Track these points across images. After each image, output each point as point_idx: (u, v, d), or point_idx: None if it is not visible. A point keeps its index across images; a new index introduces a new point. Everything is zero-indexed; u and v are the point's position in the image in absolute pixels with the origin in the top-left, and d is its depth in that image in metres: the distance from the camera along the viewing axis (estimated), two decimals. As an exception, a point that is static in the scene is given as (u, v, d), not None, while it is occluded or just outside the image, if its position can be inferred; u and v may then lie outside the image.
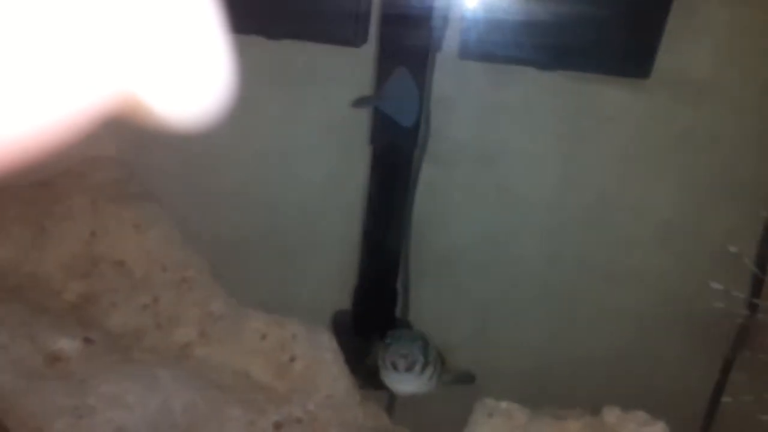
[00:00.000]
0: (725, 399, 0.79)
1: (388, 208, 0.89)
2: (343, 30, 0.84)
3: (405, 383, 0.76)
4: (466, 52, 0.88)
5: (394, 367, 0.74)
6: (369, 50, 0.85)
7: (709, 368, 0.91)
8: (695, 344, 0.91)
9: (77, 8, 0.13)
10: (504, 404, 0.72)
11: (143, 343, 0.71)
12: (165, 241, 0.75)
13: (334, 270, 0.95)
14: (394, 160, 0.87)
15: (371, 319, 0.92)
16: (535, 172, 0.92)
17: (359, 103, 0.83)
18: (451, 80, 0.89)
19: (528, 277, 0.95)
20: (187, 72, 0.15)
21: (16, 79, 0.13)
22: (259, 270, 0.93)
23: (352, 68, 0.86)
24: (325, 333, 0.75)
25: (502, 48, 0.87)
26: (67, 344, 0.65)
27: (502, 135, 0.91)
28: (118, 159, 0.82)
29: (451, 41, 0.87)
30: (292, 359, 0.73)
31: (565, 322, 0.96)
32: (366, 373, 0.79)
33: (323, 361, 0.73)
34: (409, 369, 0.74)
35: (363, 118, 0.88)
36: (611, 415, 0.63)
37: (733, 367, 0.87)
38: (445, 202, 0.94)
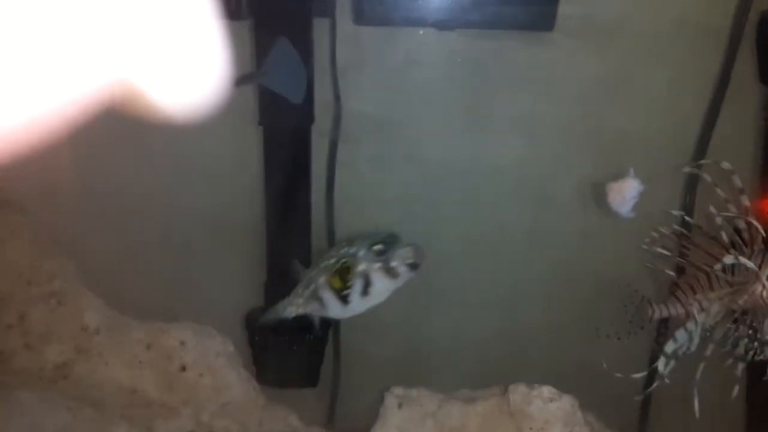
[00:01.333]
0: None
1: (288, 193, 0.83)
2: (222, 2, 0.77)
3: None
4: (360, 18, 0.82)
5: (413, 267, 0.68)
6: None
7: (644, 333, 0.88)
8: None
9: (74, 1, 0.13)
10: (414, 392, 0.67)
11: (12, 365, 0.64)
12: (29, 253, 0.68)
13: (242, 266, 0.88)
14: (288, 140, 0.81)
15: (286, 313, 0.87)
16: (443, 138, 0.86)
17: (241, 81, 0.76)
18: (347, 49, 0.82)
19: (450, 249, 0.90)
20: (183, 63, 0.15)
21: (12, 72, 0.13)
22: (160, 276, 0.86)
23: (234, 44, 0.79)
24: (217, 337, 0.69)
25: (398, 10, 0.81)
26: None
27: (407, 102, 0.85)
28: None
29: (344, 7, 0.80)
30: (183, 368, 0.67)
31: (495, 292, 0.91)
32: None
33: (217, 367, 0.67)
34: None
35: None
36: (517, 393, 0.59)
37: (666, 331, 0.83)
38: (356, 178, 0.88)
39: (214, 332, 0.69)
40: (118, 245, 0.82)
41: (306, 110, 0.80)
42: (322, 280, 0.70)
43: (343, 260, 0.69)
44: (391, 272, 0.68)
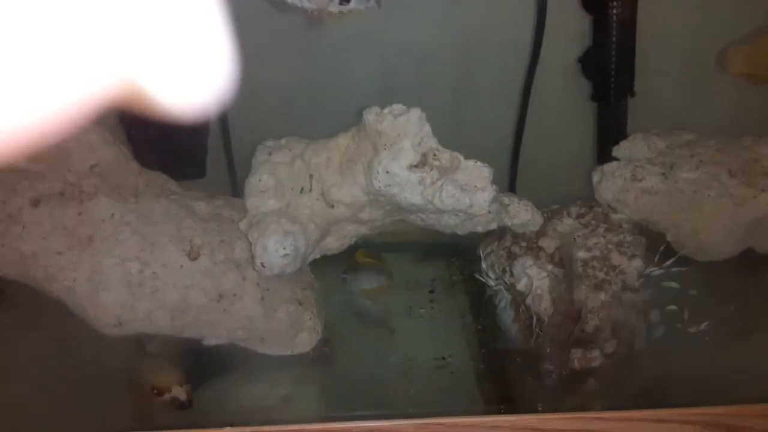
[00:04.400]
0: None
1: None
2: None
3: None
4: None
5: None
6: None
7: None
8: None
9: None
10: (284, 141, 0.70)
11: None
12: None
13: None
14: None
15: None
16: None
17: None
18: None
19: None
20: (188, 59, 0.15)
21: (19, 70, 0.13)
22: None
23: None
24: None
25: None
26: None
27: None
28: None
29: None
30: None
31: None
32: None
33: (79, 131, 0.66)
34: None
35: None
36: (371, 113, 0.62)
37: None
38: None
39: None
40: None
41: None
42: None
43: None
44: None
